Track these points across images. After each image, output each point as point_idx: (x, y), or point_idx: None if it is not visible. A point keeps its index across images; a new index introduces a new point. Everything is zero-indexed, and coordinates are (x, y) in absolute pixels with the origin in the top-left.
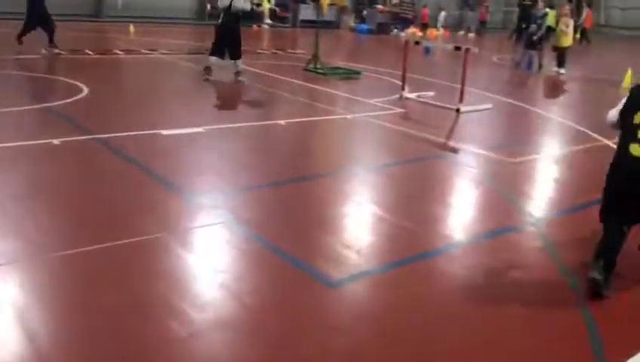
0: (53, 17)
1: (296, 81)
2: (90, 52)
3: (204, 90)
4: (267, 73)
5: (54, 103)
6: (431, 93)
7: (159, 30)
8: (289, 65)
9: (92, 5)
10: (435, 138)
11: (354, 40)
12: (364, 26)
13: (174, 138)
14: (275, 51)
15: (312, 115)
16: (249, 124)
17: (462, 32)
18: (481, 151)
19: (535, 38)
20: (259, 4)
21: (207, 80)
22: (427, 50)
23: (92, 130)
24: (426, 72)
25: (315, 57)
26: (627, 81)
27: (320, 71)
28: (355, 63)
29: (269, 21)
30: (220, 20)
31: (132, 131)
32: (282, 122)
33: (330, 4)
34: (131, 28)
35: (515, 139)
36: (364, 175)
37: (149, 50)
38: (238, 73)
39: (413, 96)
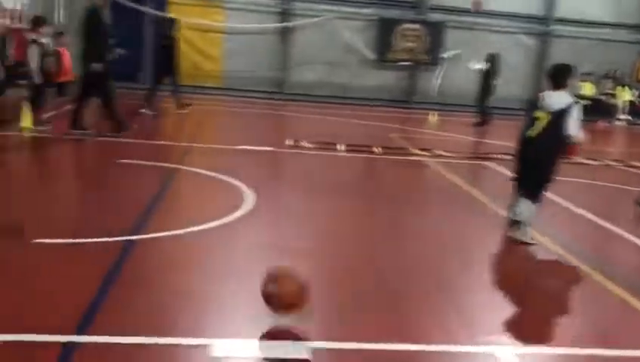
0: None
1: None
2: (340, 147)
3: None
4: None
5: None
6: None
7: (470, 121)
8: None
9: (405, 90)
10: None
11: None
12: None
13: None
14: (609, 163)
15: None
16: None
17: None
18: None
19: None
20: (612, 94)
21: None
22: None
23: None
24: None
25: None
26: None
27: None
28: None
29: (625, 117)
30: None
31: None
32: None
33: None
34: (430, 117)
35: None
36: None
37: (423, 149)
38: (517, 226)
39: None
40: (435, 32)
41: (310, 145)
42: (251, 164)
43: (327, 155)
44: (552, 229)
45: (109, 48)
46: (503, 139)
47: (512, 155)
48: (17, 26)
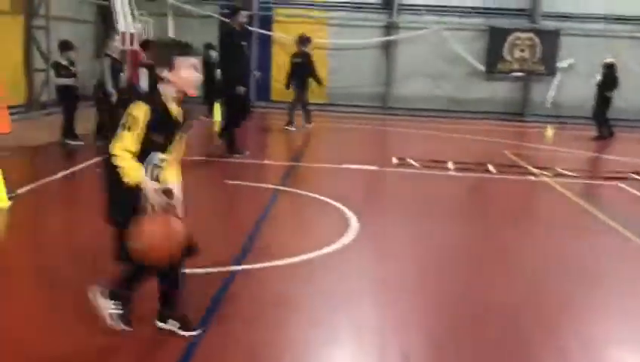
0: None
1: None
2: (450, 165)
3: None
4: None
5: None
6: None
7: (589, 135)
8: None
9: (517, 103)
10: None
11: None
12: None
13: None
14: None
15: None
16: None
17: None
18: None
19: None
20: None
21: None
22: None
23: None
24: None
25: None
26: None
27: None
28: None
29: None
30: None
31: None
32: None
33: None
34: (548, 131)
35: None
36: None
37: (542, 167)
38: None
39: None
40: (549, 41)
41: (417, 164)
42: (356, 185)
43: (436, 175)
44: None
45: (247, 71)
46: (630, 155)
47: None
48: (131, 48)
